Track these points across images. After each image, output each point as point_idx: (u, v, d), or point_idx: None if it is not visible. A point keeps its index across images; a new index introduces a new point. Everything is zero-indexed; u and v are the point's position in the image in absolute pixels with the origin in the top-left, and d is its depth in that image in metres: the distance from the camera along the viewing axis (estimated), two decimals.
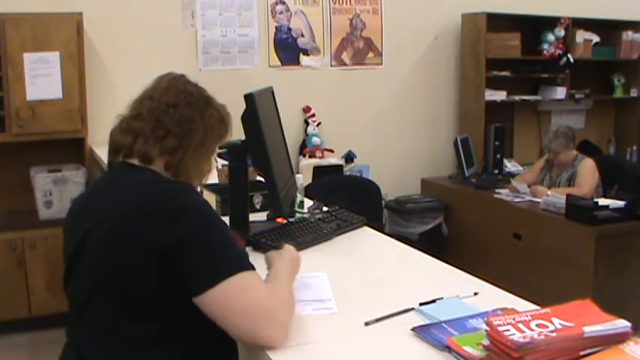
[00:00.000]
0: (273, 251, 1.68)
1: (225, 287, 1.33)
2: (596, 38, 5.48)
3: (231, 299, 1.33)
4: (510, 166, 5.31)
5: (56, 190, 4.05)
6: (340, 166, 4.82)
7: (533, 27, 5.29)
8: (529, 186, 4.44)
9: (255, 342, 1.34)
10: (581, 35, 5.40)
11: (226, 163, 2.19)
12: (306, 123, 4.95)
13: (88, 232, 1.45)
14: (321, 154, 4.85)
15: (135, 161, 1.53)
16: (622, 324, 1.20)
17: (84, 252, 1.46)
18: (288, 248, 1.71)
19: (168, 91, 1.57)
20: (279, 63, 4.88)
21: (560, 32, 5.26)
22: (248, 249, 2.00)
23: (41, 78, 3.91)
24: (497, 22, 5.12)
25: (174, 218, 1.36)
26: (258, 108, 2.01)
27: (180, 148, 1.53)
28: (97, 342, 1.43)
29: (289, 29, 4.90)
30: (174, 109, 1.54)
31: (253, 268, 1.41)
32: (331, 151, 4.92)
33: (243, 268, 1.38)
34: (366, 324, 1.48)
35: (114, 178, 1.56)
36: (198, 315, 1.36)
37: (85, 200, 1.60)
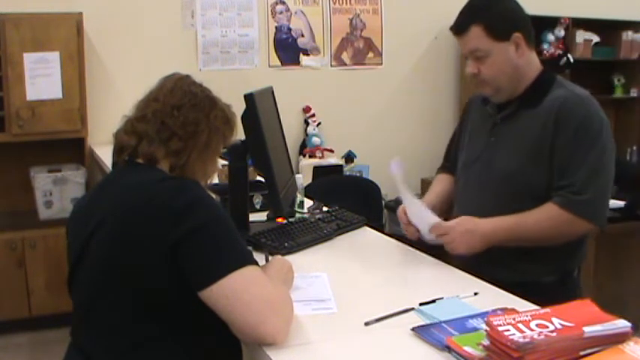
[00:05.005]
0: (266, 264, 1.69)
1: (232, 280, 1.34)
2: (596, 38, 5.48)
3: (238, 292, 1.34)
4: None
5: (56, 190, 4.05)
6: (340, 166, 4.82)
7: (533, 27, 5.27)
8: None
9: (259, 336, 1.34)
10: (581, 35, 5.40)
11: (226, 163, 2.19)
12: (306, 123, 4.95)
13: (93, 231, 1.45)
14: (321, 154, 4.85)
15: (140, 161, 1.53)
16: (622, 324, 1.20)
17: (89, 252, 1.46)
18: (280, 259, 1.73)
19: (173, 93, 1.57)
20: (279, 63, 4.88)
21: (560, 32, 5.26)
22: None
23: (41, 78, 3.91)
24: None
25: (181, 214, 1.37)
26: (258, 108, 2.02)
27: (185, 150, 1.53)
28: (102, 342, 1.44)
29: (289, 29, 4.90)
30: (179, 111, 1.54)
31: (258, 265, 1.42)
32: (331, 151, 4.92)
33: (248, 262, 1.39)
34: (366, 324, 1.48)
35: (119, 177, 1.56)
36: (205, 314, 1.37)
37: (88, 201, 1.60)
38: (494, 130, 2.00)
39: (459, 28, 1.93)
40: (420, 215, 1.96)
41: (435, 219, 1.93)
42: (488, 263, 1.85)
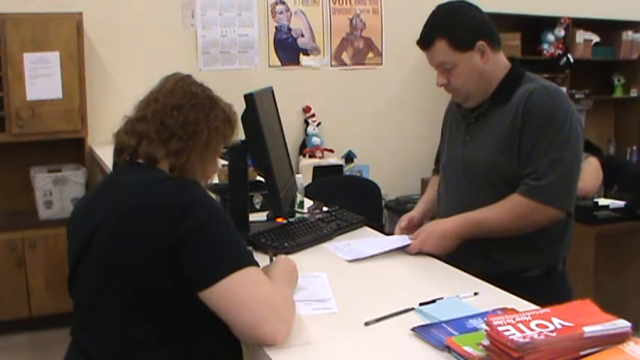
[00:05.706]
0: (270, 263, 1.69)
1: (232, 281, 1.34)
2: (596, 38, 5.48)
3: (237, 293, 1.34)
4: None
5: (56, 190, 4.05)
6: (340, 166, 4.82)
7: (533, 27, 5.28)
8: None
9: (258, 337, 1.34)
10: (581, 35, 5.40)
11: (226, 163, 2.19)
12: (306, 123, 4.95)
13: (93, 232, 1.45)
14: (321, 154, 4.85)
15: (140, 161, 1.53)
16: (622, 324, 1.20)
17: (90, 252, 1.46)
18: (285, 258, 1.73)
19: (173, 93, 1.57)
20: (279, 63, 4.88)
21: (560, 32, 5.26)
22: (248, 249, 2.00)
23: (41, 78, 3.92)
24: (498, 22, 5.01)
25: (181, 214, 1.37)
26: (258, 108, 2.02)
27: (185, 150, 1.53)
28: (102, 342, 1.44)
29: (289, 29, 4.90)
30: (179, 112, 1.54)
31: (257, 265, 1.42)
32: (331, 151, 4.92)
33: (248, 263, 1.39)
34: (366, 324, 1.48)
35: (119, 178, 1.56)
36: (205, 315, 1.37)
37: (89, 201, 1.60)
38: (468, 129, 2.08)
39: (424, 43, 2.01)
40: (391, 245, 2.04)
41: (404, 243, 2.02)
42: (467, 254, 1.93)
